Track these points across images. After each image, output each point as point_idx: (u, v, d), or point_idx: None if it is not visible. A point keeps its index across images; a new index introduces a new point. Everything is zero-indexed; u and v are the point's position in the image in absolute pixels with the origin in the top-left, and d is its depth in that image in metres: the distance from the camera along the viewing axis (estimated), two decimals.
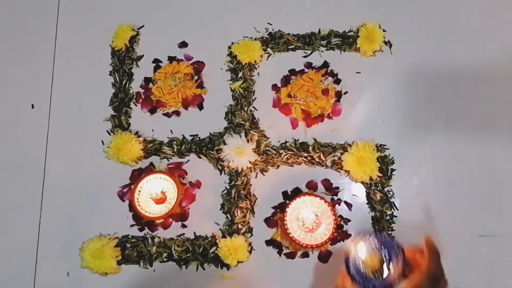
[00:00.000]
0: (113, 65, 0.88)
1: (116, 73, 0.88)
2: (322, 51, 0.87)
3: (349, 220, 0.80)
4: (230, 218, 0.81)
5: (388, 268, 0.63)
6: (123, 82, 0.87)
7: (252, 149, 0.82)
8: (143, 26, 0.90)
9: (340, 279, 0.63)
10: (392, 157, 0.82)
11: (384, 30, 0.87)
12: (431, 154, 0.82)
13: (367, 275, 0.64)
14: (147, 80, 0.88)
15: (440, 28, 0.88)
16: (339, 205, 0.81)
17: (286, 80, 0.86)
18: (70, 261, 0.80)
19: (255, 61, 0.87)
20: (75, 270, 0.80)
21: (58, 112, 0.87)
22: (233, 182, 0.82)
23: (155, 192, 0.80)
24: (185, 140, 0.85)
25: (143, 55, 0.89)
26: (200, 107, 0.86)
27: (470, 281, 0.77)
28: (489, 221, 0.79)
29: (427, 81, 0.85)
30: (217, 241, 0.78)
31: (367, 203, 0.81)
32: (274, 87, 0.86)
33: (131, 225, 0.82)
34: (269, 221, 0.81)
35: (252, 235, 0.80)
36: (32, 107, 0.88)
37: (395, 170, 0.81)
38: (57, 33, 0.90)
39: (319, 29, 0.88)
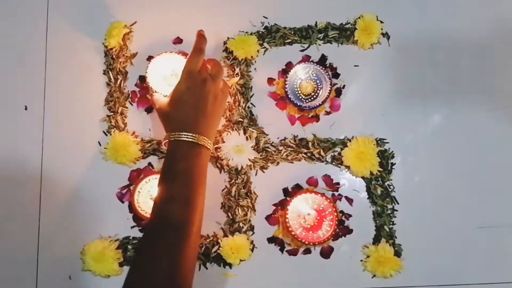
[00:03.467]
0: (106, 63, 0.86)
1: (110, 72, 0.86)
2: (319, 45, 0.86)
3: (350, 216, 0.80)
4: (231, 217, 0.80)
5: (317, 95, 0.81)
6: (118, 81, 0.86)
7: (252, 146, 0.82)
8: (135, 22, 0.88)
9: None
10: (392, 151, 0.82)
11: (381, 22, 0.85)
12: (431, 147, 0.82)
13: (300, 96, 0.81)
14: (142, 78, 0.86)
15: (440, 14, 0.87)
16: (340, 200, 0.81)
17: (283, 73, 0.85)
18: (72, 265, 0.80)
19: (252, 57, 0.85)
20: (77, 273, 0.79)
21: (52, 113, 0.85)
22: (233, 181, 0.81)
23: (155, 193, 0.79)
24: None
25: (137, 53, 0.87)
26: None
27: (469, 273, 0.78)
28: (488, 212, 0.80)
29: (427, 73, 0.85)
30: (219, 240, 0.78)
31: (368, 198, 0.81)
32: (270, 81, 0.85)
33: (132, 227, 0.81)
34: (270, 219, 0.81)
35: (253, 233, 0.80)
36: (26, 109, 0.86)
37: (395, 164, 0.81)
38: (47, 33, 0.87)
39: (316, 22, 0.86)
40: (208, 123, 0.74)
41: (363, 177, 0.81)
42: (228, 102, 0.84)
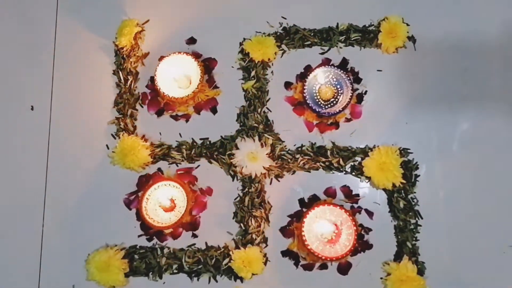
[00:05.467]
0: (116, 63, 0.83)
1: (120, 72, 0.82)
2: (340, 48, 0.81)
3: (370, 230, 0.75)
4: (243, 228, 0.76)
5: (337, 100, 0.77)
6: (128, 82, 0.82)
7: (266, 153, 0.77)
8: (148, 21, 0.84)
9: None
10: (416, 162, 0.77)
11: (407, 24, 0.81)
12: (458, 159, 0.77)
13: (319, 101, 0.77)
14: (154, 79, 0.82)
15: (470, 18, 0.82)
16: (360, 213, 0.76)
17: (301, 77, 0.81)
18: (75, 274, 0.76)
19: (269, 59, 0.81)
20: (81, 282, 0.76)
21: (60, 114, 0.82)
22: (246, 189, 0.77)
23: (164, 200, 0.76)
24: (195, 144, 0.80)
25: (148, 53, 0.84)
26: (214, 111, 0.81)
27: None
28: None
29: (455, 79, 0.80)
30: (230, 252, 0.74)
31: (389, 212, 0.76)
32: (288, 85, 0.81)
33: (139, 235, 0.77)
34: (285, 231, 0.76)
35: (267, 245, 0.76)
36: (32, 109, 0.83)
37: (419, 176, 0.76)
38: (56, 29, 0.84)
39: (337, 24, 0.82)
40: None
41: (384, 189, 0.76)
42: (243, 106, 0.80)
